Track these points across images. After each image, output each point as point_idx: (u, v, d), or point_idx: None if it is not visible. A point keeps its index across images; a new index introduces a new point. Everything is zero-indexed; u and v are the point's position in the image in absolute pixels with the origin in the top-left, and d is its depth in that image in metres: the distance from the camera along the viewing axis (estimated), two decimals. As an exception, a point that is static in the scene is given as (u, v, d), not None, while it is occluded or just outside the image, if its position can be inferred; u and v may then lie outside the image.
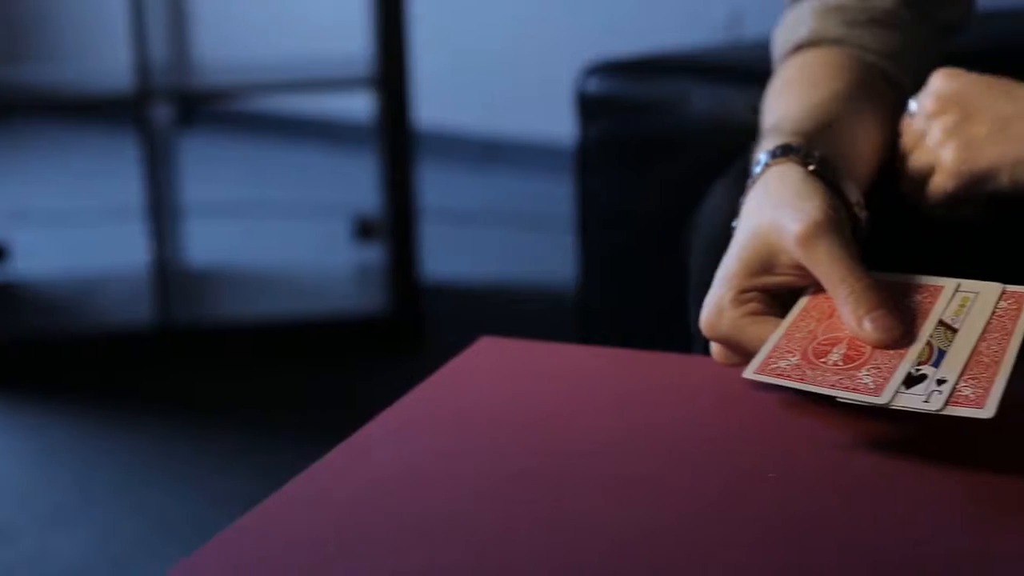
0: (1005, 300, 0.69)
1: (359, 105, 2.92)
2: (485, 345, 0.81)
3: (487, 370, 0.78)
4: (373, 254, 2.78)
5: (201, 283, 2.81)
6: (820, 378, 0.66)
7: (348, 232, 3.00)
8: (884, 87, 0.94)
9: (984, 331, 0.67)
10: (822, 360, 0.67)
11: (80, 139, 4.28)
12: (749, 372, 0.67)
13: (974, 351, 0.66)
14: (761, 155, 0.77)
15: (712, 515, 0.60)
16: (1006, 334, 0.66)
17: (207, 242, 3.03)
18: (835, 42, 0.94)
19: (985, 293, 0.70)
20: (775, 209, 0.73)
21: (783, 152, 0.76)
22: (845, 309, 0.68)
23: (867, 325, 0.67)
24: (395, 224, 2.50)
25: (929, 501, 0.61)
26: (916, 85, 0.95)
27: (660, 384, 0.75)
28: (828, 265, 0.69)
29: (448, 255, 2.96)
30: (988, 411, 0.62)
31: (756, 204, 0.75)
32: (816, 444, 0.66)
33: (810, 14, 0.96)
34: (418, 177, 2.57)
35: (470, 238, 3.20)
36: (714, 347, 0.74)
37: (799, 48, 0.96)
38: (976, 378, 0.64)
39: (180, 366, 2.44)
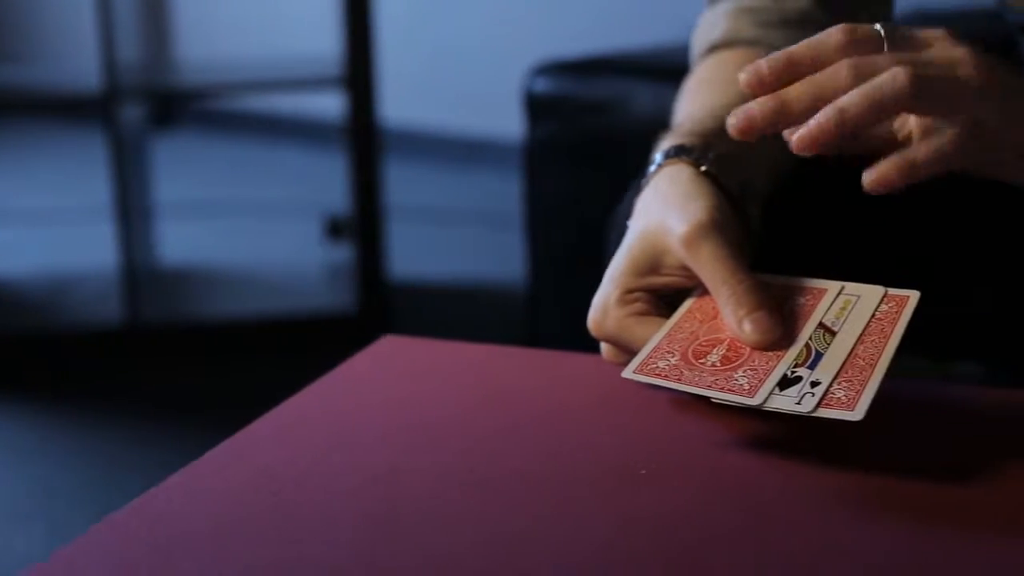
0: (886, 303, 0.69)
1: (337, 104, 2.93)
2: (387, 344, 0.82)
3: (383, 369, 0.79)
4: (344, 253, 2.79)
5: (172, 282, 2.81)
6: (697, 379, 0.66)
7: (320, 231, 3.01)
8: None
9: (863, 334, 0.68)
10: (701, 361, 0.67)
11: (54, 138, 4.28)
12: (628, 372, 0.68)
13: (851, 354, 0.66)
14: (656, 155, 0.78)
15: (574, 512, 0.60)
16: (884, 337, 0.67)
17: (182, 241, 3.04)
18: (748, 43, 0.95)
19: (867, 296, 0.70)
20: (663, 210, 0.73)
21: (676, 153, 0.77)
22: (726, 310, 0.69)
23: (746, 326, 0.68)
24: (362, 223, 2.51)
25: (795, 498, 0.61)
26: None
27: (552, 382, 0.75)
28: (711, 266, 0.70)
29: (417, 253, 2.97)
30: (858, 414, 0.62)
31: (646, 205, 0.76)
32: (693, 442, 0.67)
33: (724, 16, 0.97)
34: (388, 176, 2.57)
35: (440, 237, 3.21)
36: (603, 346, 0.74)
37: (714, 49, 0.97)
38: (850, 381, 0.64)
39: (149, 365, 2.45)
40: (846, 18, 0.98)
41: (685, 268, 0.72)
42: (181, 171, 3.94)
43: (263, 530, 0.60)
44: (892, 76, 0.65)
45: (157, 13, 4.51)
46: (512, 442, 0.68)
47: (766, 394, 0.65)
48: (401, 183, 3.25)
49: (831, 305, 0.70)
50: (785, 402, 0.64)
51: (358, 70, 2.44)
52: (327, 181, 3.34)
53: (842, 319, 0.69)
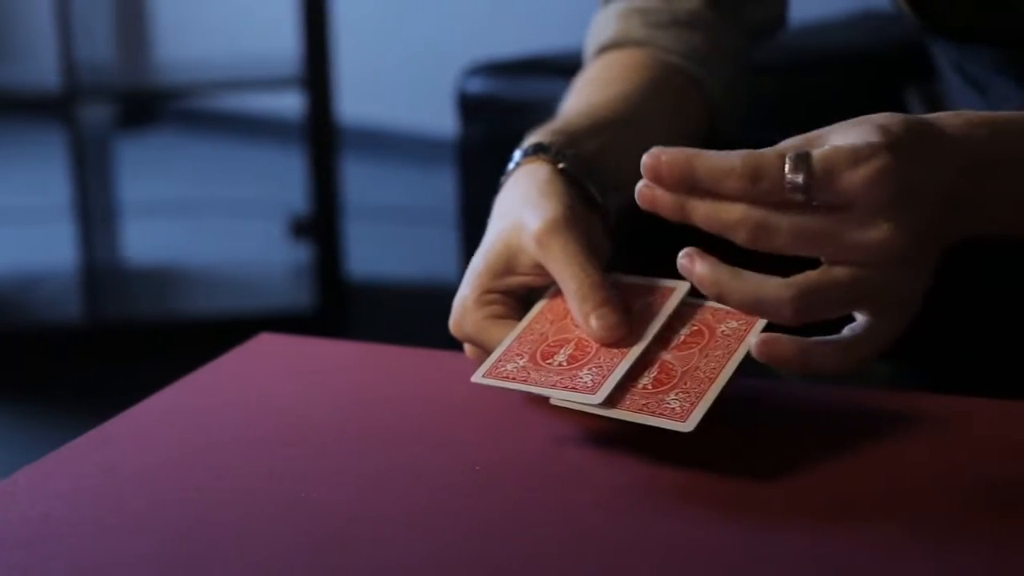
0: (735, 319, 0.69)
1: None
2: (261, 341, 0.83)
3: (250, 367, 0.80)
4: (306, 252, 2.80)
5: (135, 281, 2.82)
6: (543, 379, 0.67)
7: (284, 231, 3.02)
8: (685, 87, 0.95)
9: (707, 346, 0.68)
10: (548, 361, 0.68)
11: (18, 137, 4.28)
12: (477, 377, 0.68)
13: (693, 365, 0.67)
14: (516, 153, 0.79)
15: (406, 508, 0.61)
16: (727, 355, 0.67)
17: (150, 240, 3.04)
18: (638, 43, 0.96)
19: (713, 306, 0.70)
20: (518, 208, 0.74)
21: (535, 151, 0.78)
22: (573, 304, 0.69)
23: (593, 321, 0.68)
24: (320, 222, 2.52)
25: (620, 494, 0.62)
26: (721, 85, 0.97)
27: (416, 380, 0.76)
28: (561, 262, 0.70)
29: (377, 253, 2.98)
30: (688, 426, 0.63)
31: (503, 203, 0.76)
32: (537, 440, 0.68)
33: (615, 17, 0.98)
34: (349, 176, 2.58)
35: (400, 236, 3.21)
36: (466, 346, 0.75)
37: (604, 50, 0.98)
38: (687, 392, 0.65)
39: (109, 363, 2.46)
40: (735, 19, 0.99)
41: (540, 266, 0.72)
42: (156, 170, 3.95)
43: (112, 526, 0.60)
44: (777, 305, 0.64)
45: (133, 14, 4.51)
46: (362, 439, 0.69)
47: (608, 391, 0.65)
48: (362, 183, 3.26)
49: (679, 307, 0.70)
50: (620, 412, 0.65)
51: (316, 70, 2.45)
52: (295, 181, 3.35)
53: (688, 326, 0.69)
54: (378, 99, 3.95)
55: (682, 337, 0.69)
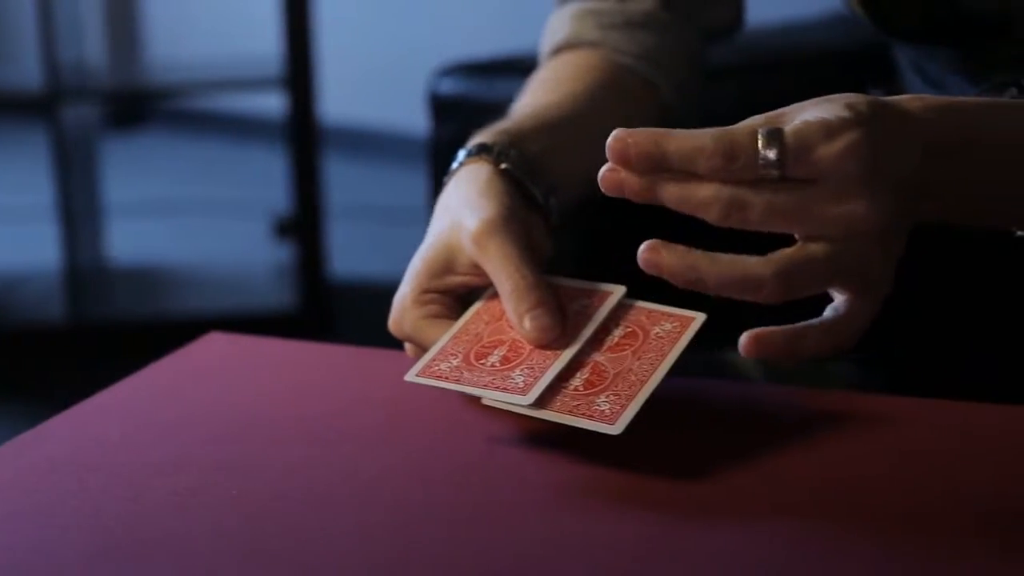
0: (670, 322, 0.69)
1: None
2: (211, 340, 0.84)
3: (199, 365, 0.80)
4: (290, 252, 2.80)
5: (119, 281, 2.83)
6: (476, 379, 0.67)
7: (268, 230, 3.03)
8: (638, 87, 0.96)
9: (640, 348, 0.68)
10: (481, 362, 0.68)
11: (6, 137, 4.28)
12: (411, 376, 0.69)
13: (625, 367, 0.67)
14: (460, 153, 0.79)
15: (331, 506, 0.62)
16: (660, 356, 0.67)
17: (135, 240, 3.05)
18: (591, 44, 0.96)
19: (648, 308, 0.71)
20: (458, 208, 0.75)
21: (477, 151, 0.78)
22: (508, 305, 0.70)
23: (527, 322, 0.69)
24: (303, 222, 2.52)
25: (540, 491, 0.63)
26: (675, 86, 0.98)
27: (360, 379, 0.77)
28: (498, 263, 0.71)
29: (361, 252, 2.98)
30: (617, 428, 0.63)
31: (443, 203, 0.77)
32: (472, 439, 0.68)
33: (569, 18, 0.98)
34: (333, 176, 2.59)
35: (383, 236, 3.22)
36: (407, 345, 0.76)
37: (558, 50, 0.98)
38: (618, 395, 0.65)
39: (91, 363, 2.46)
40: (690, 20, 0.99)
41: (478, 267, 0.73)
42: (145, 170, 3.95)
43: (33, 524, 0.61)
44: (758, 283, 0.64)
45: (123, 14, 4.52)
46: (297, 438, 0.69)
47: (539, 392, 0.66)
48: (346, 183, 3.26)
49: (615, 310, 0.71)
50: (550, 414, 0.65)
51: (298, 70, 2.45)
52: (282, 181, 3.36)
53: (621, 328, 0.70)
54: (362, 99, 3.95)
55: (616, 339, 0.69)
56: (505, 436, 0.68)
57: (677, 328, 0.69)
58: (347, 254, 2.84)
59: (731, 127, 0.65)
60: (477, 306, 0.73)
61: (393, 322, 0.74)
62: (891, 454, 0.65)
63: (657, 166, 0.64)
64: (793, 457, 0.65)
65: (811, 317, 0.69)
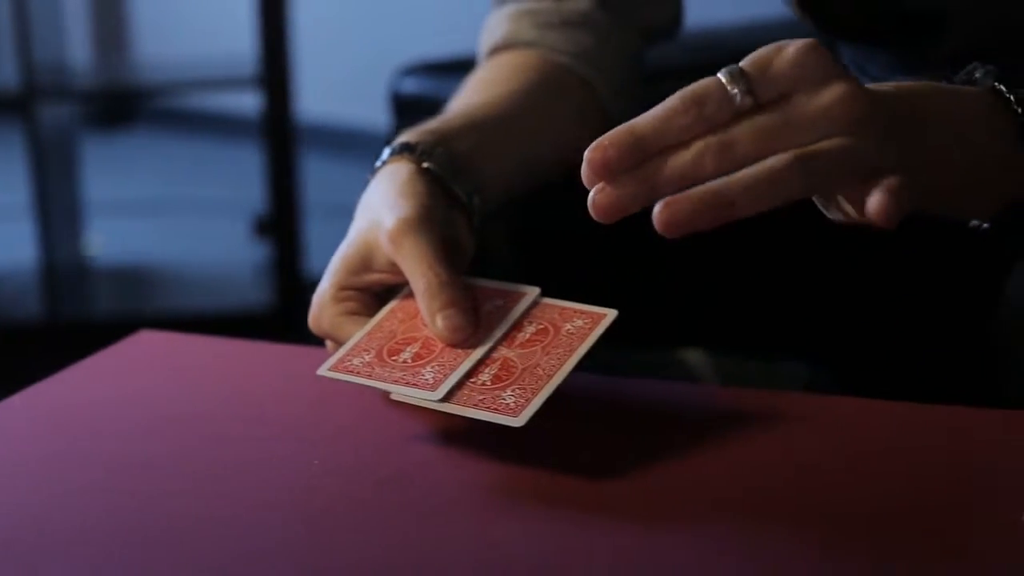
0: (582, 319, 0.70)
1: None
2: (141, 338, 0.84)
3: (124, 364, 0.81)
4: (268, 251, 2.81)
5: (97, 280, 2.83)
6: (386, 375, 0.68)
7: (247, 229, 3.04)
8: (575, 86, 0.96)
9: (550, 344, 0.69)
10: (394, 358, 0.69)
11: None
12: (323, 370, 0.69)
13: (533, 363, 0.67)
14: (385, 151, 0.80)
15: (237, 504, 0.62)
16: (569, 352, 0.68)
17: (116, 239, 3.05)
18: (527, 44, 0.97)
19: (561, 306, 0.71)
20: (377, 207, 0.75)
21: (400, 150, 0.79)
22: (421, 304, 0.70)
23: (439, 321, 0.69)
24: (280, 220, 2.53)
25: (449, 492, 0.63)
26: (613, 85, 0.98)
27: (283, 376, 0.77)
28: (413, 262, 0.71)
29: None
30: (520, 421, 0.64)
31: (365, 201, 0.77)
32: (385, 436, 0.69)
33: (506, 18, 0.99)
34: (312, 175, 2.59)
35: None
36: (327, 342, 0.76)
37: (495, 51, 0.99)
38: (523, 388, 0.66)
39: (67, 362, 2.45)
40: (627, 20, 1.00)
41: (395, 265, 0.73)
42: (130, 169, 3.96)
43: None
44: (776, 175, 0.61)
45: (109, 13, 4.52)
46: (211, 435, 0.70)
47: (447, 388, 0.66)
48: (324, 181, 3.26)
49: (529, 309, 0.71)
50: (459, 400, 0.66)
51: (273, 69, 2.46)
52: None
53: (534, 326, 0.70)
54: (340, 98, 3.96)
55: (527, 335, 0.70)
56: (419, 434, 0.69)
57: (588, 324, 0.69)
58: (325, 252, 2.84)
59: (693, 84, 0.63)
60: (393, 304, 0.73)
61: (312, 318, 0.75)
62: (814, 453, 0.66)
63: (639, 153, 0.62)
64: (713, 456, 0.65)
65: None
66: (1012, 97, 0.69)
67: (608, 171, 0.62)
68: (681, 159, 0.62)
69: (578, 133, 0.95)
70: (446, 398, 0.66)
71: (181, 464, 0.66)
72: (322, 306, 0.74)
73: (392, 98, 1.58)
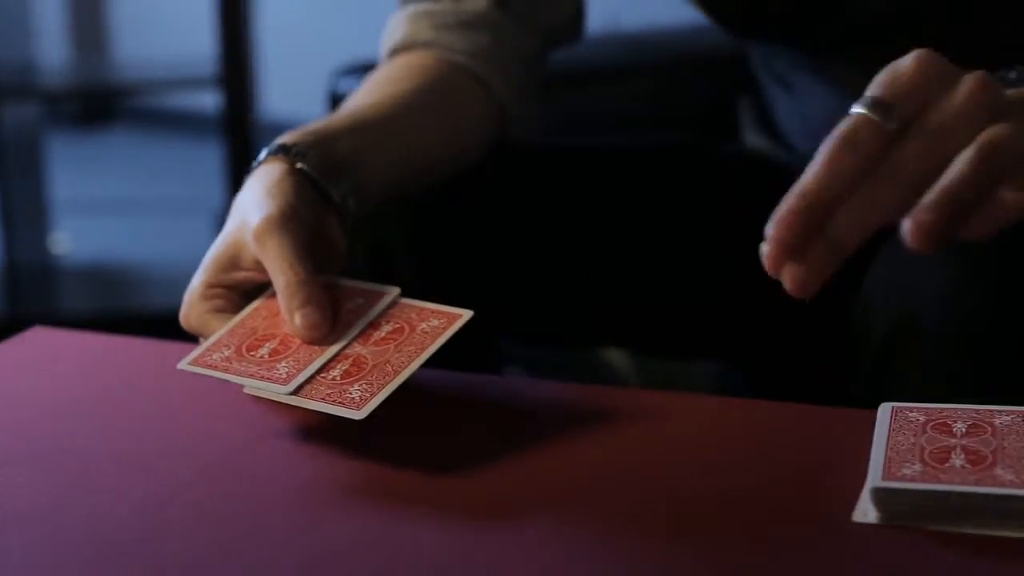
0: (437, 318, 0.71)
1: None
2: (33, 335, 0.86)
3: (12, 359, 0.82)
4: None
5: (63, 279, 2.84)
6: (242, 369, 0.70)
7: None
8: (470, 85, 0.98)
9: (403, 342, 0.70)
10: (252, 354, 0.71)
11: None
12: (183, 364, 0.71)
13: (384, 359, 0.69)
14: (263, 152, 0.82)
15: (82, 493, 0.64)
16: (420, 349, 0.69)
17: (85, 238, 3.07)
18: (425, 45, 0.99)
19: (420, 306, 0.73)
20: (246, 206, 0.77)
21: (276, 151, 0.80)
22: (281, 301, 0.72)
23: (297, 319, 0.71)
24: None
25: (309, 488, 0.65)
26: (511, 84, 1.00)
27: (163, 373, 0.78)
28: (275, 260, 0.73)
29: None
30: (361, 414, 0.66)
31: (238, 200, 0.79)
32: (233, 431, 0.71)
33: (405, 19, 1.00)
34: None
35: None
36: (200, 338, 0.78)
37: (395, 52, 1.00)
38: (371, 383, 0.67)
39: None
40: (525, 21, 1.01)
41: (260, 263, 0.75)
42: (107, 168, 3.97)
43: None
44: (973, 170, 0.59)
45: (86, 13, 4.54)
46: (71, 432, 0.71)
47: (298, 383, 0.68)
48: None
49: (386, 309, 0.73)
50: (310, 393, 0.68)
51: (232, 68, 2.47)
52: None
53: (390, 325, 0.72)
54: (305, 96, 3.96)
55: (383, 334, 0.71)
56: (276, 429, 0.71)
57: (443, 324, 0.71)
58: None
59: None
60: (258, 302, 0.75)
61: (182, 315, 0.77)
62: (643, 450, 0.68)
63: (817, 215, 0.60)
64: (553, 454, 0.67)
65: None
66: None
67: (795, 249, 0.60)
68: (855, 209, 0.60)
69: (468, 130, 0.97)
70: (296, 392, 0.68)
71: (35, 457, 0.68)
72: (191, 303, 0.76)
73: (330, 98, 1.60)
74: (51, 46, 4.05)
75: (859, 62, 0.77)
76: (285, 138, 0.82)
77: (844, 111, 0.62)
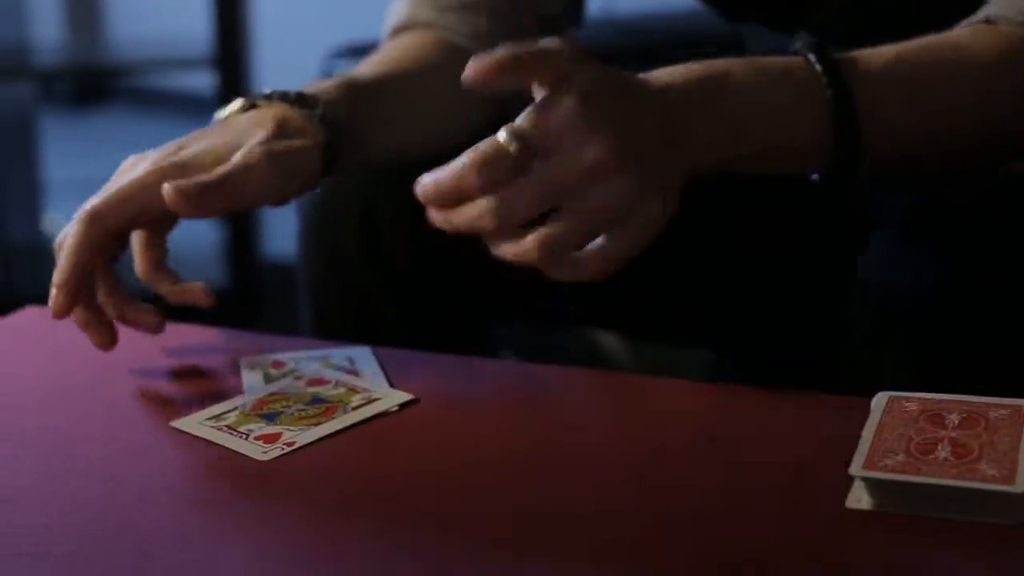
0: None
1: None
2: (27, 315, 0.86)
3: (5, 340, 0.82)
4: (224, 232, 2.81)
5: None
6: None
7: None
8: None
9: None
10: None
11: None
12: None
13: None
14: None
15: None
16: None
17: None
18: (425, 25, 0.99)
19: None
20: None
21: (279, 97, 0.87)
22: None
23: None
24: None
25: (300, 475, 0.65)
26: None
27: (158, 355, 0.79)
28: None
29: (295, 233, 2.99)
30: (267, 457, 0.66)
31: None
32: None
33: (408, 1, 1.01)
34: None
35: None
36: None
37: (396, 32, 1.01)
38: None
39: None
40: (525, 7, 1.01)
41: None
42: (103, 148, 3.96)
43: None
44: (526, 253, 0.67)
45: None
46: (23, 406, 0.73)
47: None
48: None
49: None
50: None
51: (227, 49, 2.46)
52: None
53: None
54: (297, 76, 3.96)
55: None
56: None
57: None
58: (281, 234, 2.85)
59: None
60: None
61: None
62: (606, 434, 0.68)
63: (448, 200, 0.68)
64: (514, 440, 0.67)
65: None
66: (812, 57, 0.74)
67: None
68: (465, 216, 0.68)
69: (469, 112, 0.97)
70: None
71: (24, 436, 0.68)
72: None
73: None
74: (45, 25, 4.04)
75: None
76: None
77: None
